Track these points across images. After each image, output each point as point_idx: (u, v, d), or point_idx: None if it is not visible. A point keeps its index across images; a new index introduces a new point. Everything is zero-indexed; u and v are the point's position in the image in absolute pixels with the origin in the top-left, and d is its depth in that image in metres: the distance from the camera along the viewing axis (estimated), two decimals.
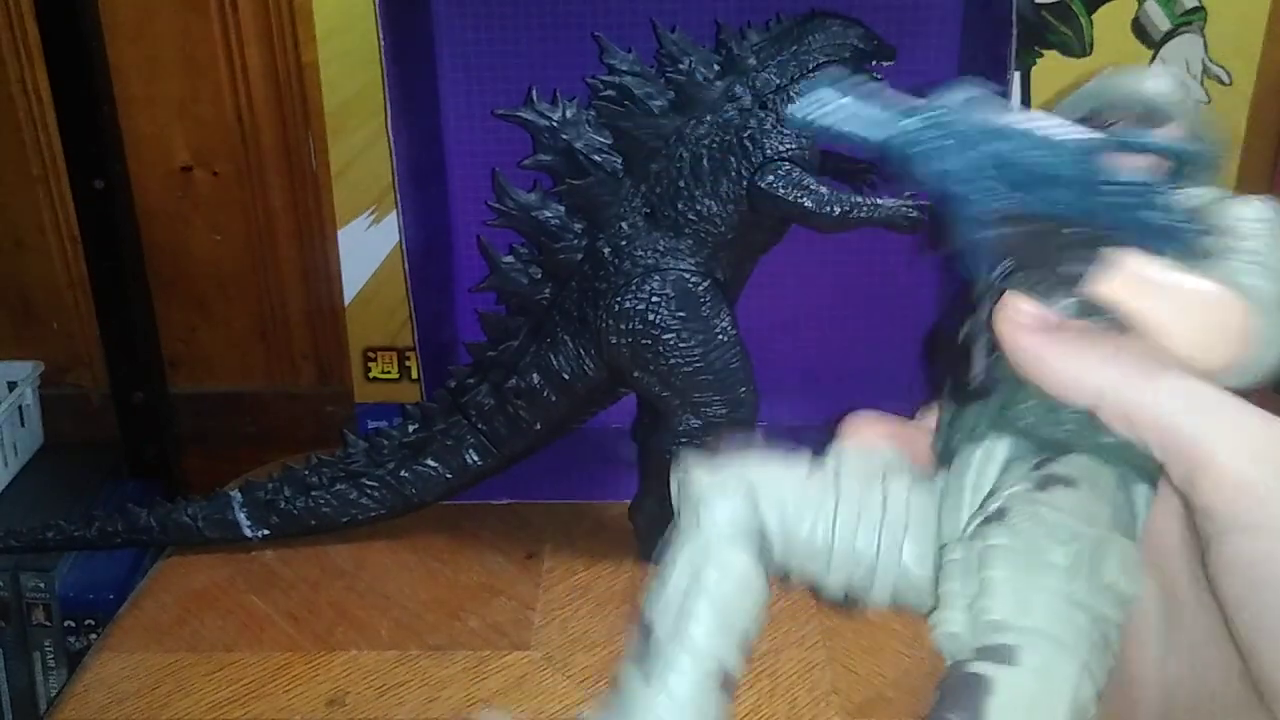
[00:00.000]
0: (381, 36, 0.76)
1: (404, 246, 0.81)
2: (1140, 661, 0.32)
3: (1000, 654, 0.28)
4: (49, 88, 0.96)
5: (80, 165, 0.97)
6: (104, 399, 1.08)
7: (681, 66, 0.72)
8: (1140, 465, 0.32)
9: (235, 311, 1.07)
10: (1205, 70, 0.88)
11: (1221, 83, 0.89)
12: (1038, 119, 0.32)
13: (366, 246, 0.94)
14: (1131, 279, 0.31)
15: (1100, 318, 0.32)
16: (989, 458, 0.34)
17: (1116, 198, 0.32)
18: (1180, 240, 0.32)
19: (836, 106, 0.32)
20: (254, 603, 0.77)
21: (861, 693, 0.68)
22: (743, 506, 0.34)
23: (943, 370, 0.36)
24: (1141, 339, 0.31)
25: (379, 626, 0.75)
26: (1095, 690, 0.29)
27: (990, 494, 0.33)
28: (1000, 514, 0.31)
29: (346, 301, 0.96)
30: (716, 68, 0.73)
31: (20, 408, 1.06)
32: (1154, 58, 0.89)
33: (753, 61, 0.72)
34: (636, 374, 0.75)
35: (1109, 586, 0.30)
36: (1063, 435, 0.33)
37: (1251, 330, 0.32)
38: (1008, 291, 0.32)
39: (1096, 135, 0.32)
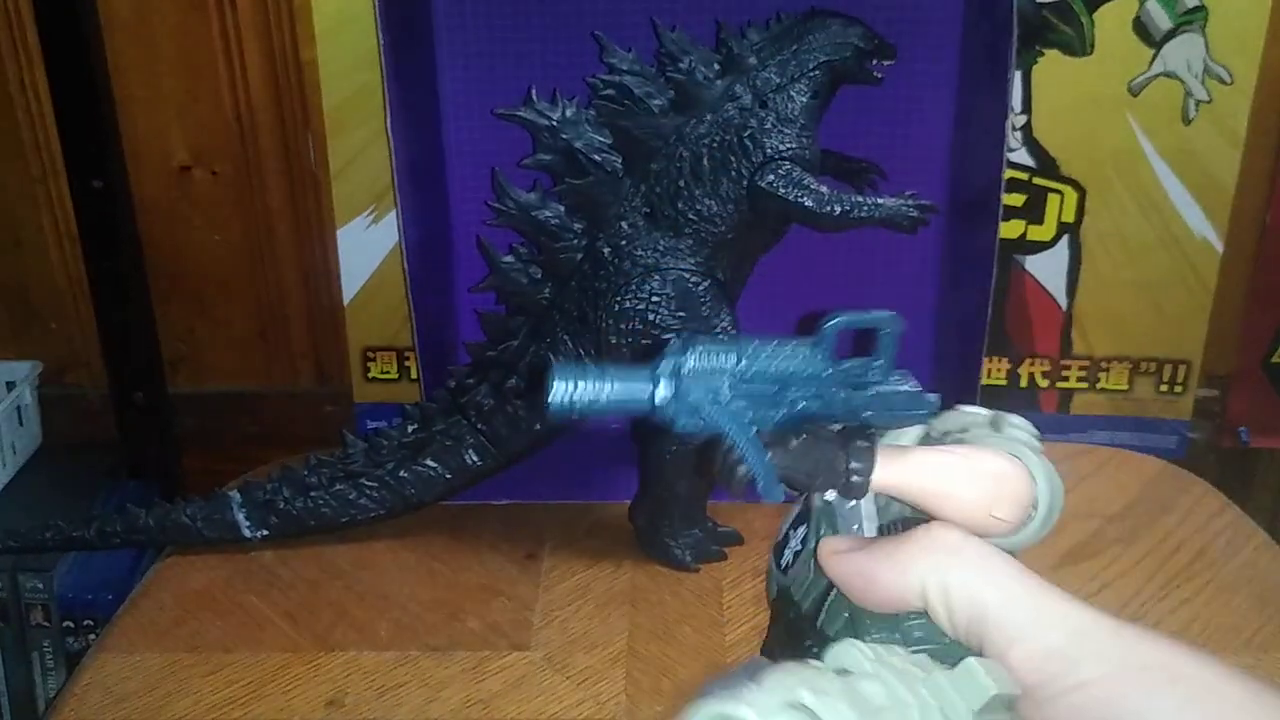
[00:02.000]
0: (381, 35, 0.76)
1: (403, 246, 0.81)
2: None
3: None
4: (48, 88, 0.96)
5: (79, 165, 0.97)
6: (103, 399, 1.07)
7: (682, 65, 0.72)
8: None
9: (234, 311, 1.06)
10: (1206, 69, 0.88)
11: (1223, 82, 0.89)
12: (765, 341, 0.36)
13: (366, 246, 0.94)
14: (911, 462, 0.37)
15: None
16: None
17: (846, 377, 0.37)
18: (920, 404, 0.38)
19: (590, 388, 0.35)
20: (253, 603, 0.77)
21: None
22: None
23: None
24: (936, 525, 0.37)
25: (378, 627, 0.74)
26: None
27: None
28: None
29: (346, 301, 0.96)
30: (717, 67, 0.72)
31: (19, 408, 1.06)
32: (1155, 56, 0.88)
33: (753, 60, 0.72)
34: None
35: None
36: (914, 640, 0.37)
37: (1030, 493, 0.37)
38: (820, 541, 0.38)
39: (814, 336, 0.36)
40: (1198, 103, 0.89)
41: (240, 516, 0.80)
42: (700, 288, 0.73)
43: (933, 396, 0.38)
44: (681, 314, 0.73)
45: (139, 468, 1.07)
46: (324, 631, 0.74)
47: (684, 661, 0.71)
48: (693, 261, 0.73)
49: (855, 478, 0.36)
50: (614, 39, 0.73)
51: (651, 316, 0.73)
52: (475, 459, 0.80)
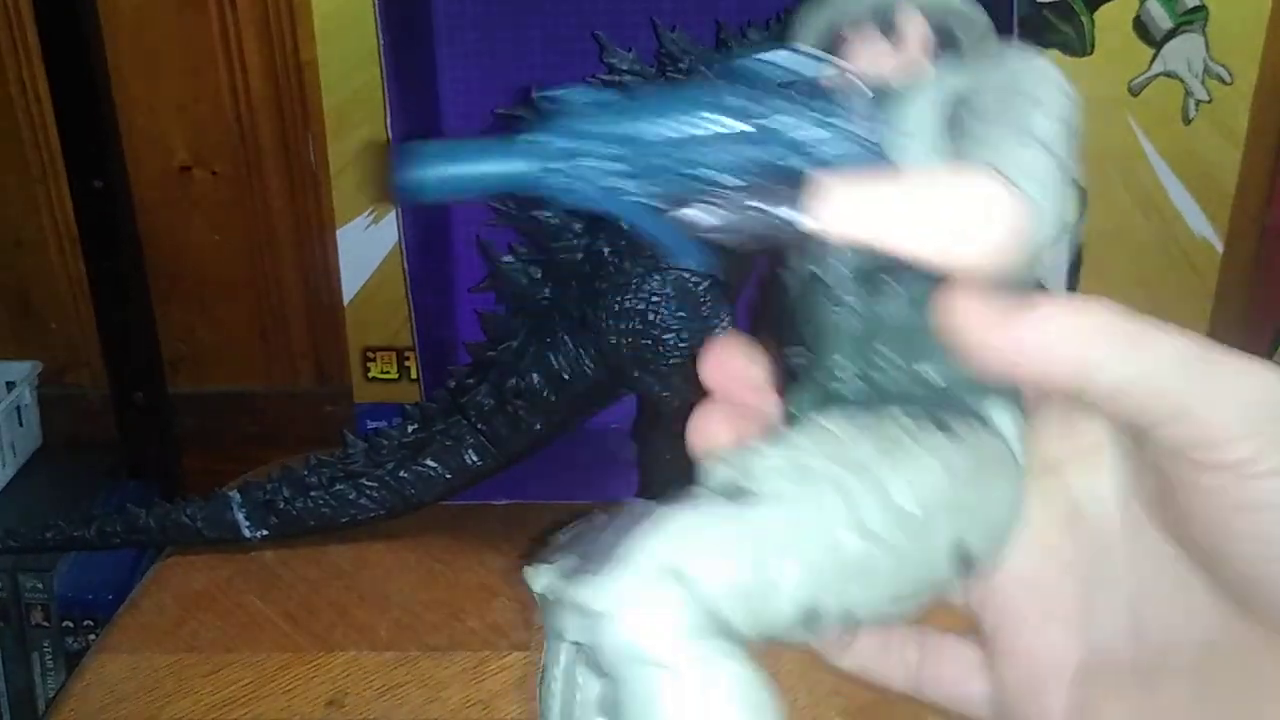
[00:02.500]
0: (381, 35, 0.76)
1: (403, 246, 0.81)
2: (1038, 641, 0.31)
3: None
4: (47, 88, 0.96)
5: (79, 165, 0.97)
6: (102, 399, 1.07)
7: (682, 65, 0.72)
8: (994, 392, 0.30)
9: (234, 311, 1.06)
10: (1206, 69, 0.88)
11: (1223, 81, 0.89)
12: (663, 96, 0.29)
13: (366, 246, 0.94)
14: (847, 204, 0.27)
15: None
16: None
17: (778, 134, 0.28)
18: (866, 148, 0.29)
19: (458, 169, 0.29)
20: (253, 603, 0.77)
21: (863, 694, 0.67)
22: (680, 604, 0.24)
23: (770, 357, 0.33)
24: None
25: (378, 627, 0.74)
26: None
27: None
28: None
29: (346, 301, 0.96)
30: (717, 66, 0.72)
31: (19, 408, 1.06)
32: (1155, 56, 0.88)
33: None
34: (637, 374, 0.74)
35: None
36: (879, 389, 0.30)
37: (1025, 215, 0.28)
38: (946, 293, 0.28)
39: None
40: (1198, 103, 0.89)
41: (240, 516, 0.80)
42: (700, 287, 0.73)
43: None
44: (681, 314, 0.73)
45: (139, 468, 1.07)
46: (324, 631, 0.74)
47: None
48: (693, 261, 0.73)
49: (793, 224, 0.28)
50: (614, 39, 0.73)
51: (652, 316, 0.73)
52: (475, 459, 0.80)
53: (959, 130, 0.29)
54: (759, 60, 0.29)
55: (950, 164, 0.29)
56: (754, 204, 0.27)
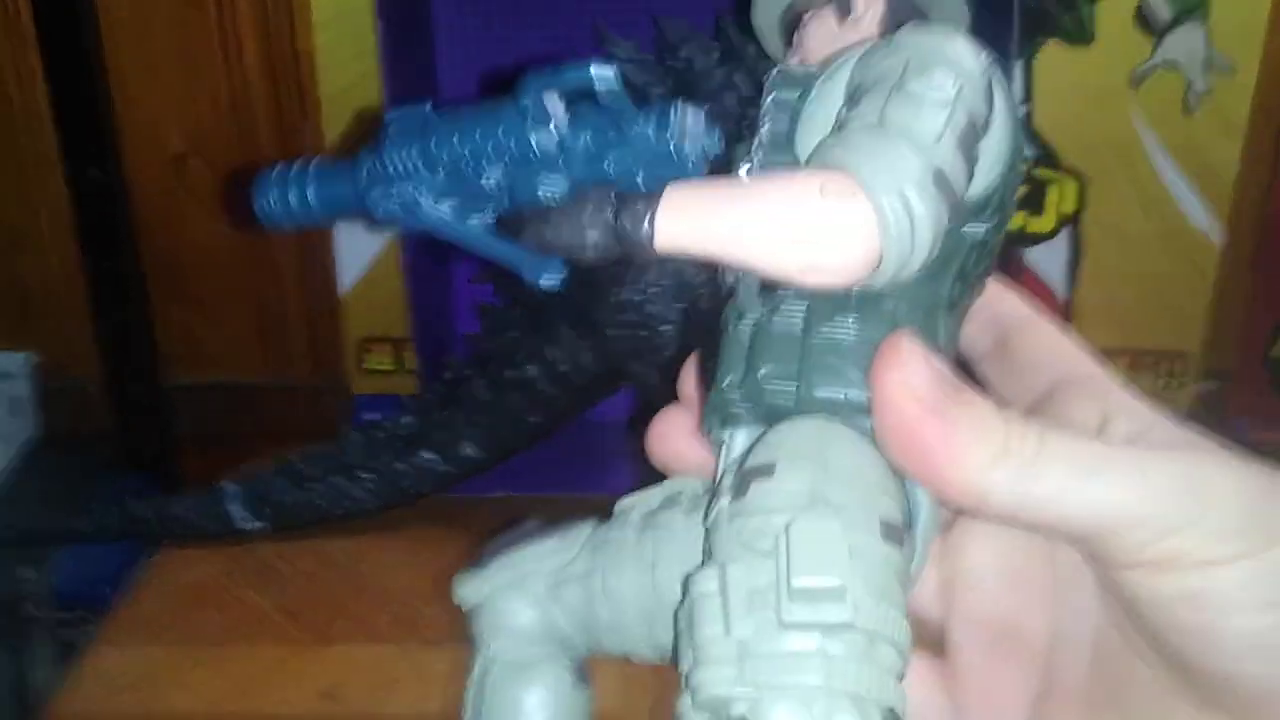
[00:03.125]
0: (379, 25, 0.75)
1: (401, 237, 0.81)
2: (1001, 664, 0.31)
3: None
4: (43, 77, 0.96)
5: (75, 156, 0.97)
6: (99, 391, 1.07)
7: (680, 54, 0.71)
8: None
9: (231, 303, 1.06)
10: (1208, 60, 0.88)
11: (1224, 73, 0.88)
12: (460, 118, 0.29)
13: (363, 238, 0.94)
14: (674, 216, 0.26)
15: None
16: (729, 454, 0.29)
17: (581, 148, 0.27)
18: (678, 163, 0.27)
19: (293, 199, 0.31)
20: (250, 596, 0.77)
21: None
22: (527, 614, 0.31)
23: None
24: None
25: (375, 620, 0.74)
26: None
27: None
28: (708, 551, 0.26)
29: (342, 293, 0.96)
30: (716, 56, 0.72)
31: (15, 400, 1.06)
32: (1156, 47, 0.88)
33: (753, 50, 0.72)
34: (634, 366, 0.74)
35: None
36: (767, 405, 0.28)
37: (875, 241, 0.25)
38: (893, 348, 0.26)
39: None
40: (1199, 94, 0.89)
41: (237, 509, 0.80)
42: (699, 279, 0.73)
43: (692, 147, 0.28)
44: (680, 305, 0.73)
45: (136, 460, 1.07)
46: (321, 624, 0.74)
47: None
48: None
49: (631, 234, 0.26)
50: (613, 28, 0.73)
51: (650, 308, 0.73)
52: (472, 451, 0.80)
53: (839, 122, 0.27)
54: (571, 73, 0.28)
55: (788, 168, 0.27)
56: (586, 219, 0.27)
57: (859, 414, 0.27)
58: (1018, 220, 0.94)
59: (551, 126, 0.27)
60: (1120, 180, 0.92)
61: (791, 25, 0.32)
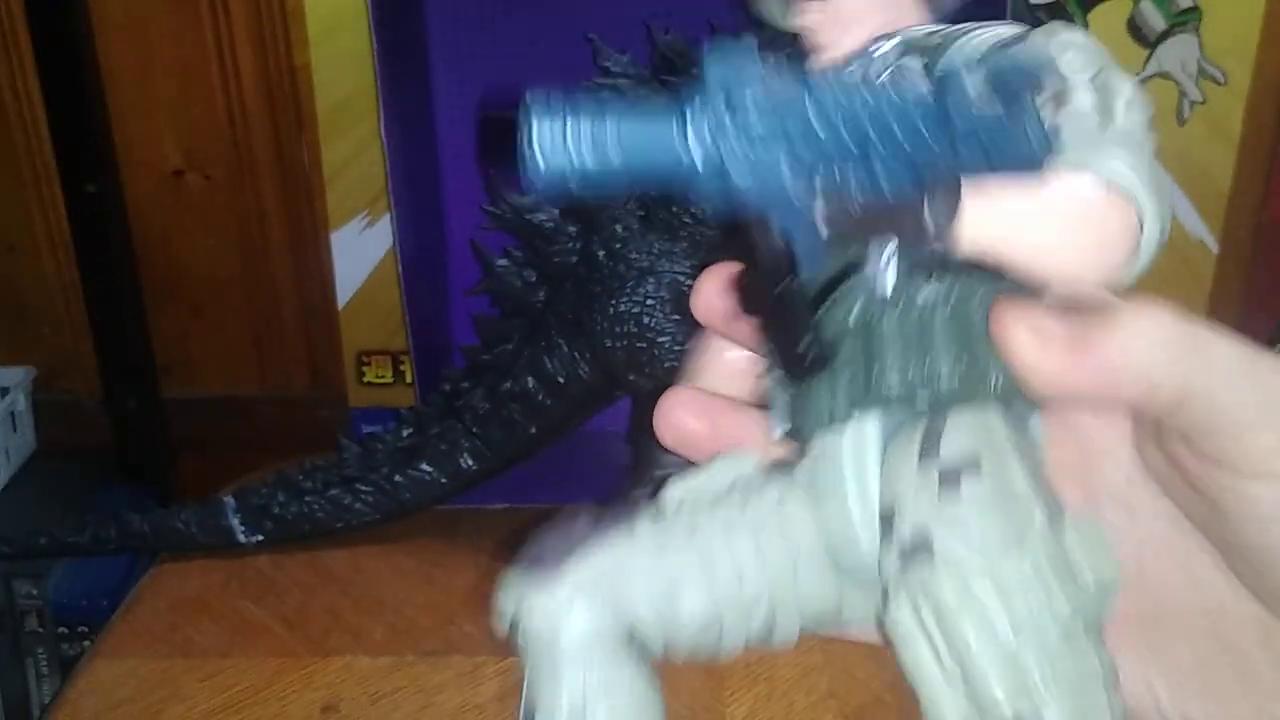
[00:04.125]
0: (374, 39, 0.76)
1: (398, 250, 0.81)
2: None
3: None
4: (40, 91, 0.96)
5: (72, 169, 0.97)
6: (96, 404, 1.07)
7: (676, 68, 0.72)
8: (1023, 396, 0.28)
9: (228, 316, 1.06)
10: (1201, 70, 0.88)
11: (1217, 83, 0.89)
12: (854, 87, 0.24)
13: (360, 250, 0.94)
14: (987, 216, 0.26)
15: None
16: (861, 444, 0.29)
17: (964, 133, 0.24)
18: (1034, 160, 0.25)
19: (584, 140, 0.23)
20: (248, 608, 0.77)
21: (859, 696, 0.67)
22: (599, 615, 0.29)
23: (768, 345, 0.30)
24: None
25: (373, 632, 0.74)
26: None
27: (887, 502, 0.28)
28: (923, 546, 0.26)
29: (340, 305, 0.96)
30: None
31: (13, 413, 1.06)
32: (1149, 57, 0.88)
33: None
34: (631, 377, 0.74)
35: (1086, 585, 0.26)
36: (941, 393, 0.28)
37: (1139, 220, 0.26)
38: (1007, 310, 0.26)
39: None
40: (1192, 103, 0.89)
41: (235, 521, 0.80)
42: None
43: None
44: (676, 316, 0.73)
45: (133, 473, 1.07)
46: (319, 637, 0.74)
47: (676, 664, 0.71)
48: (688, 264, 0.73)
49: (935, 235, 0.25)
50: (608, 41, 0.73)
51: (647, 319, 0.73)
52: (470, 463, 0.80)
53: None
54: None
55: (1063, 171, 0.26)
56: (933, 209, 0.25)
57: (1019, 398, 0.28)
58: None
59: (960, 111, 0.24)
60: None
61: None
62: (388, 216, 0.84)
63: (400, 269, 0.81)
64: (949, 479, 0.27)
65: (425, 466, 0.80)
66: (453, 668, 0.71)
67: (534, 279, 0.77)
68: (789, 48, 0.31)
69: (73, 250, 1.01)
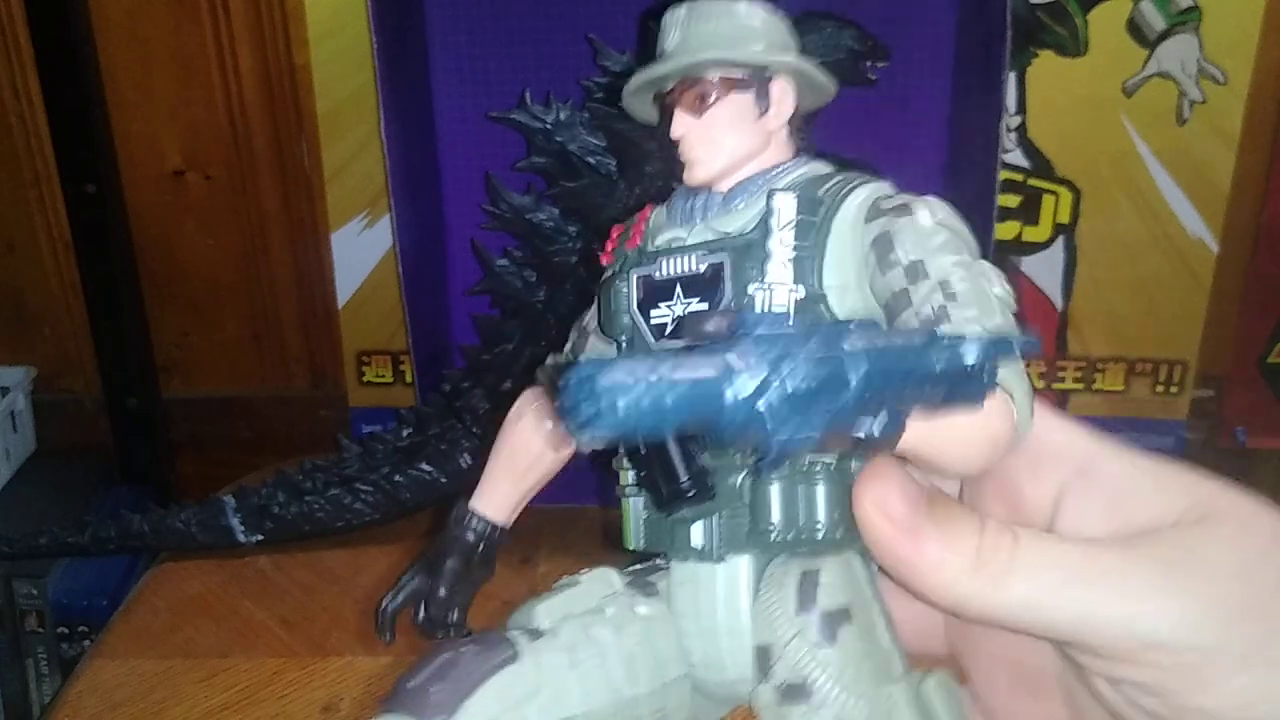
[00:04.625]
0: (374, 39, 0.76)
1: (398, 250, 0.81)
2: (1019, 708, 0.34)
3: None
4: (40, 92, 0.96)
5: (72, 169, 0.97)
6: (97, 404, 1.07)
7: None
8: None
9: (228, 316, 1.06)
10: (1200, 70, 0.88)
11: (1217, 82, 0.88)
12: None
13: (360, 250, 0.94)
14: (915, 432, 0.28)
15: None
16: (734, 581, 0.33)
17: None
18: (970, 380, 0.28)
19: (646, 392, 0.24)
20: (248, 608, 0.77)
21: None
22: None
23: (649, 469, 0.33)
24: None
25: (373, 632, 0.74)
26: None
27: (762, 640, 0.32)
28: (800, 687, 0.30)
29: (340, 305, 0.96)
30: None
31: (13, 413, 1.06)
32: (1149, 57, 0.88)
33: None
34: None
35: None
36: (819, 541, 0.32)
37: (1017, 418, 0.30)
38: (871, 470, 0.29)
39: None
40: (1192, 103, 0.89)
41: (235, 521, 0.80)
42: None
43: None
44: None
45: (133, 473, 1.07)
46: (319, 636, 0.74)
47: None
48: None
49: (877, 445, 0.28)
50: (607, 41, 0.73)
51: None
52: (470, 462, 0.80)
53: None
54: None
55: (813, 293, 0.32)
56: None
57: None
58: (1013, 229, 0.94)
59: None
60: (1115, 189, 0.92)
61: (669, 94, 0.36)
62: (387, 217, 0.84)
63: (400, 269, 0.81)
64: (826, 627, 0.31)
65: (425, 466, 0.80)
66: None
67: (534, 279, 0.77)
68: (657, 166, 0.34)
69: (73, 250, 1.01)
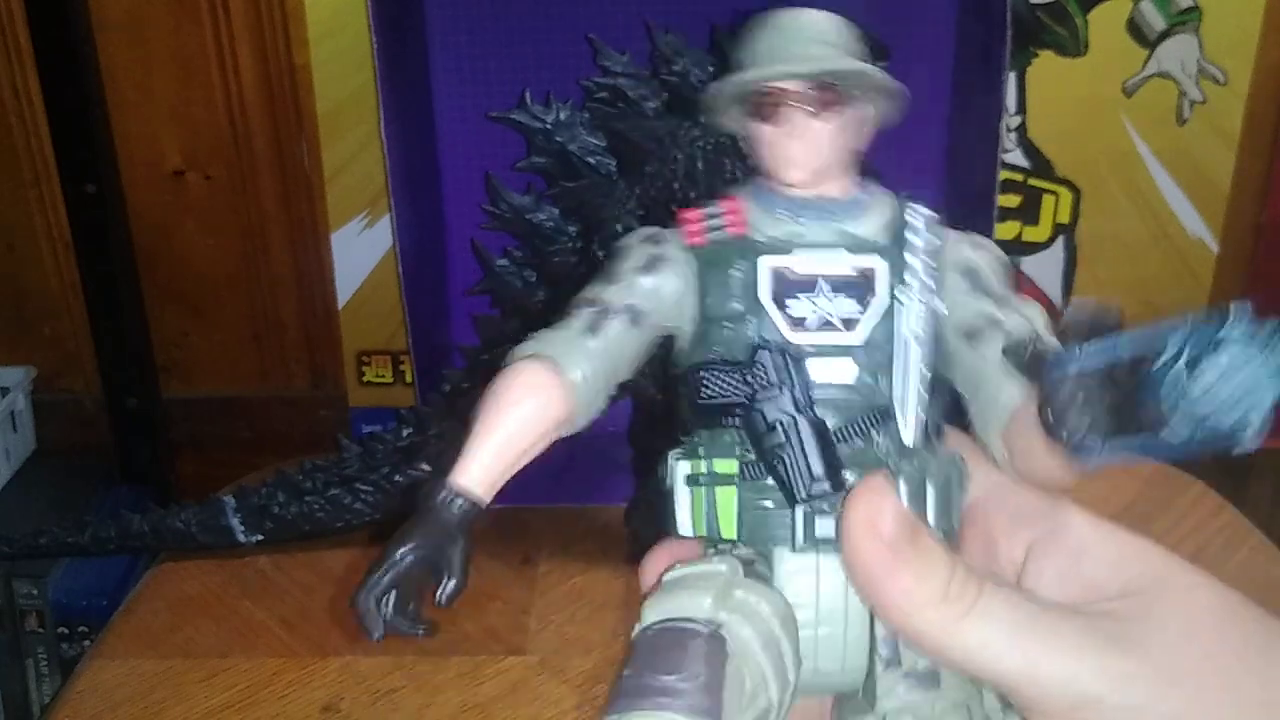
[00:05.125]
0: (374, 39, 0.76)
1: (397, 250, 0.81)
2: None
3: None
4: (40, 92, 0.96)
5: (72, 169, 0.97)
6: (97, 404, 1.07)
7: (675, 68, 0.72)
8: None
9: (228, 316, 1.06)
10: (1201, 70, 0.88)
11: (1217, 82, 0.89)
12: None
13: (360, 250, 0.94)
14: None
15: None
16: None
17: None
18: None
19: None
20: (248, 608, 0.77)
21: None
22: None
23: (786, 464, 0.34)
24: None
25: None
26: None
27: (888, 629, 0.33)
28: (932, 677, 0.32)
29: (340, 305, 0.96)
30: (710, 69, 0.72)
31: (13, 413, 1.06)
32: (1149, 57, 0.88)
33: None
34: (633, 378, 0.74)
35: None
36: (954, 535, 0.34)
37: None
38: (867, 485, 0.32)
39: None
40: (1192, 103, 0.89)
41: (235, 521, 0.80)
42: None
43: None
44: None
45: (133, 473, 1.07)
46: (319, 636, 0.74)
47: None
48: None
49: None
50: (607, 41, 0.73)
51: None
52: None
53: None
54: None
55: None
56: None
57: None
58: (1013, 229, 0.94)
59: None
60: (1115, 189, 0.92)
61: (759, 102, 0.37)
62: (387, 217, 0.84)
63: (400, 269, 0.81)
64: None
65: (426, 466, 0.80)
66: (453, 667, 0.71)
67: (534, 279, 0.77)
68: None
69: (73, 250, 1.01)
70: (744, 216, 0.37)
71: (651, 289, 0.38)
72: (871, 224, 0.37)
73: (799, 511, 0.34)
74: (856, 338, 0.35)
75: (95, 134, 0.96)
